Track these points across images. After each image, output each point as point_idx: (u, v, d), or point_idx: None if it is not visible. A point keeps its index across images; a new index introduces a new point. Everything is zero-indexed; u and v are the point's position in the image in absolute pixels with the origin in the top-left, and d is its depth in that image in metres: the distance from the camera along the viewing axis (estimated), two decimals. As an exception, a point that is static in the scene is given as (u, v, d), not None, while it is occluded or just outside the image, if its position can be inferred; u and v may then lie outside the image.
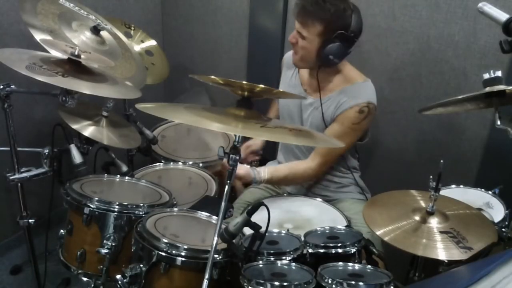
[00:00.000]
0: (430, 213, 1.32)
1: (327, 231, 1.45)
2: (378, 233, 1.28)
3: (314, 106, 1.79)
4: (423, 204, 1.39)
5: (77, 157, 1.65)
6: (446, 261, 1.28)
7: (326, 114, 1.75)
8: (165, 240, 1.30)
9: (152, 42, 2.34)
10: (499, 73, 1.33)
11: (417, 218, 1.33)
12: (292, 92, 1.83)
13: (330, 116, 1.75)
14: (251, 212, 1.23)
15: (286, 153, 1.97)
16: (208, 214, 1.53)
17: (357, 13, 1.64)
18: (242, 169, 1.71)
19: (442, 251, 1.21)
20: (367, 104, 1.69)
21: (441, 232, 1.27)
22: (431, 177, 1.28)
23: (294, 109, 1.87)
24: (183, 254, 1.29)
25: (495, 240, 1.25)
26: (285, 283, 1.18)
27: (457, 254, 1.20)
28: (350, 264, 1.29)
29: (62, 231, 1.57)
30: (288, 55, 1.92)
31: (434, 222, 1.31)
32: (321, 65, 1.71)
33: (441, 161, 1.25)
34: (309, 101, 1.81)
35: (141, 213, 1.49)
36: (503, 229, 1.39)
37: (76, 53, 1.50)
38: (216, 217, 1.48)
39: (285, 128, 1.25)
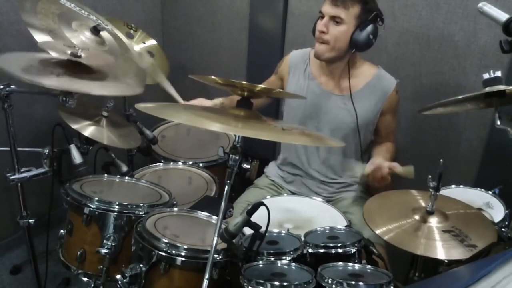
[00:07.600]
0: (430, 213, 1.32)
1: (327, 231, 1.45)
2: (378, 232, 1.28)
3: (340, 101, 1.77)
4: (423, 203, 1.39)
5: (77, 157, 1.65)
6: (446, 261, 1.29)
7: (362, 107, 1.76)
8: (165, 240, 1.30)
9: (152, 42, 2.35)
10: (499, 73, 1.33)
11: (417, 217, 1.33)
12: (305, 90, 1.81)
13: (368, 110, 1.77)
14: (251, 212, 1.23)
15: (291, 153, 1.95)
16: (208, 214, 1.53)
17: None
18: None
19: (444, 250, 1.21)
20: (395, 83, 1.78)
21: (443, 231, 1.27)
22: (429, 176, 1.28)
23: (313, 108, 1.82)
24: (183, 254, 1.29)
25: (495, 240, 1.25)
26: (285, 283, 1.17)
27: (462, 252, 1.19)
28: (350, 264, 1.29)
29: (62, 231, 1.57)
30: (295, 54, 1.88)
31: (434, 222, 1.31)
32: (356, 49, 1.66)
33: (441, 160, 1.25)
34: (332, 97, 1.79)
35: (141, 213, 1.49)
36: (503, 229, 1.39)
37: (77, 53, 1.51)
38: (216, 217, 1.48)
39: (298, 129, 1.24)
